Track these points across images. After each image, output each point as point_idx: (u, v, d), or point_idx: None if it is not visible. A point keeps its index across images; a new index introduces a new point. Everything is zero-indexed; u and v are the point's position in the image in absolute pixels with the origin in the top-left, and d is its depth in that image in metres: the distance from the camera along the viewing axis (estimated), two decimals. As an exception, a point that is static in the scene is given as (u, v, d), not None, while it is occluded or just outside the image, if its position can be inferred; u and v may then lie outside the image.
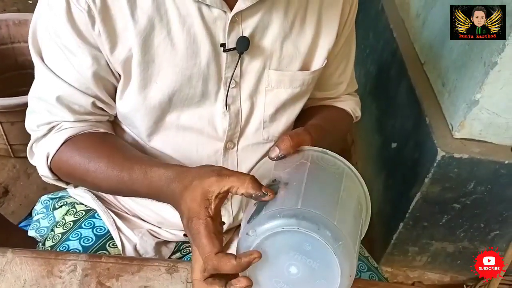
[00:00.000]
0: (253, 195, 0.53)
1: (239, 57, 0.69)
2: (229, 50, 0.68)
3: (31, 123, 0.74)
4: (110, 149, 0.71)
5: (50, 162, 0.73)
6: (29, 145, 0.76)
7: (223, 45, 0.68)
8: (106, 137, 0.74)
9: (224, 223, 0.61)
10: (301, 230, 0.49)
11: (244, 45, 0.68)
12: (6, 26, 1.86)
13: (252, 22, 0.69)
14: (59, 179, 0.76)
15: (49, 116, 0.72)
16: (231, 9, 0.66)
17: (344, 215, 0.53)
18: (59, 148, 0.71)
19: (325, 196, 0.54)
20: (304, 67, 0.76)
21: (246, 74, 0.72)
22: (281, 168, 0.58)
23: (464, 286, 1.53)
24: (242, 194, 0.54)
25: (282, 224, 0.49)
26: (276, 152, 0.60)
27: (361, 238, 0.59)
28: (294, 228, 0.49)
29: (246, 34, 0.69)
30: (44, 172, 0.75)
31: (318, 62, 0.77)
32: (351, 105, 0.90)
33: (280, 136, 0.79)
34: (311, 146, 0.62)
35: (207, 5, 0.65)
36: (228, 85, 0.71)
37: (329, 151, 0.61)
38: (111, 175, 0.68)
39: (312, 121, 0.80)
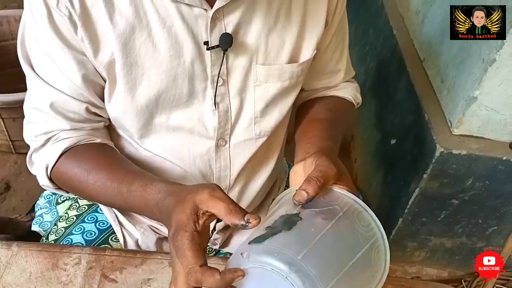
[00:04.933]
0: (238, 225, 0.52)
1: (224, 54, 0.69)
2: (213, 47, 0.67)
3: (28, 134, 0.74)
4: (110, 162, 0.71)
5: (50, 173, 0.73)
6: (28, 154, 0.76)
7: (206, 43, 0.67)
8: (105, 149, 0.74)
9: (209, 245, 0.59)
10: (288, 280, 0.47)
11: (227, 42, 0.67)
12: (7, 22, 1.86)
13: (234, 18, 0.68)
14: (59, 188, 0.76)
15: (46, 126, 0.72)
16: (211, 6, 0.65)
17: (344, 284, 0.50)
18: (57, 159, 0.71)
19: (334, 258, 0.51)
20: (292, 59, 0.75)
21: (233, 71, 0.72)
22: (312, 204, 0.55)
23: (462, 281, 1.54)
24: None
25: (274, 265, 0.48)
26: (303, 196, 0.55)
27: None
28: (283, 275, 0.48)
29: (229, 30, 0.68)
30: (44, 182, 0.74)
31: (306, 53, 0.76)
32: (350, 91, 0.90)
33: (272, 130, 0.79)
34: (335, 171, 0.59)
35: (186, 4, 0.65)
36: (216, 83, 0.71)
37: (369, 210, 0.57)
38: (109, 187, 0.68)
39: (319, 116, 0.81)
